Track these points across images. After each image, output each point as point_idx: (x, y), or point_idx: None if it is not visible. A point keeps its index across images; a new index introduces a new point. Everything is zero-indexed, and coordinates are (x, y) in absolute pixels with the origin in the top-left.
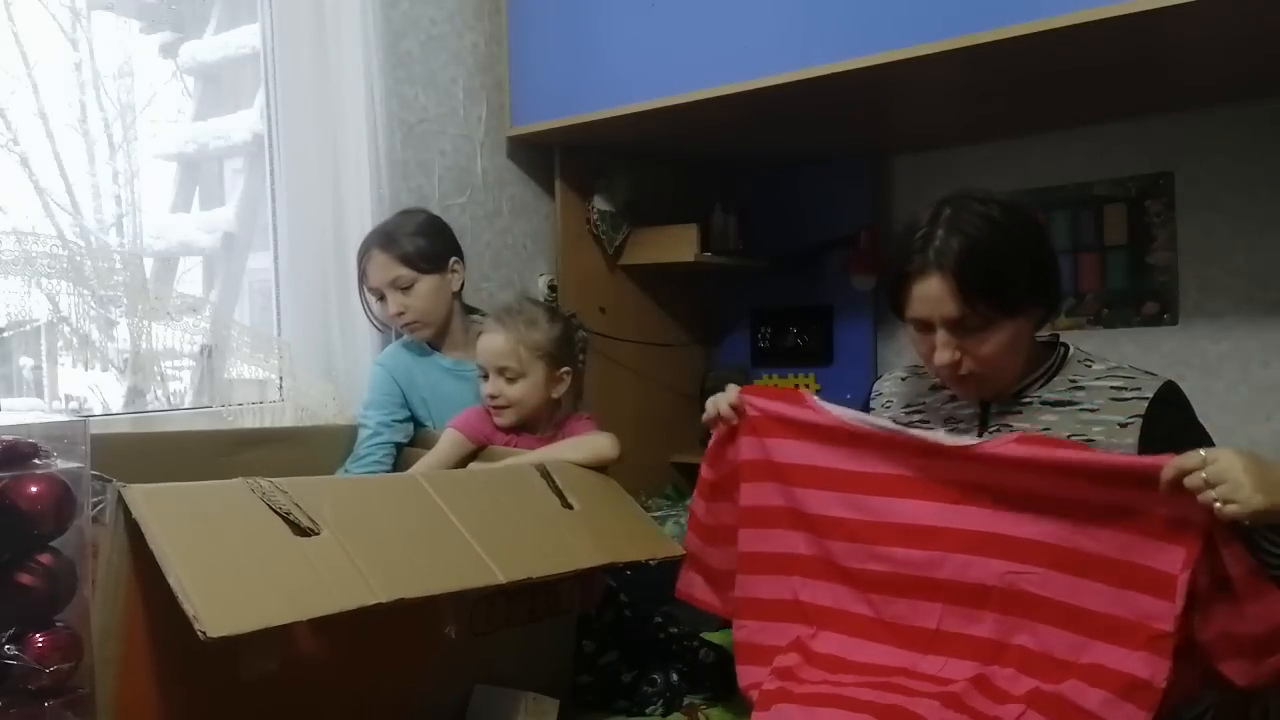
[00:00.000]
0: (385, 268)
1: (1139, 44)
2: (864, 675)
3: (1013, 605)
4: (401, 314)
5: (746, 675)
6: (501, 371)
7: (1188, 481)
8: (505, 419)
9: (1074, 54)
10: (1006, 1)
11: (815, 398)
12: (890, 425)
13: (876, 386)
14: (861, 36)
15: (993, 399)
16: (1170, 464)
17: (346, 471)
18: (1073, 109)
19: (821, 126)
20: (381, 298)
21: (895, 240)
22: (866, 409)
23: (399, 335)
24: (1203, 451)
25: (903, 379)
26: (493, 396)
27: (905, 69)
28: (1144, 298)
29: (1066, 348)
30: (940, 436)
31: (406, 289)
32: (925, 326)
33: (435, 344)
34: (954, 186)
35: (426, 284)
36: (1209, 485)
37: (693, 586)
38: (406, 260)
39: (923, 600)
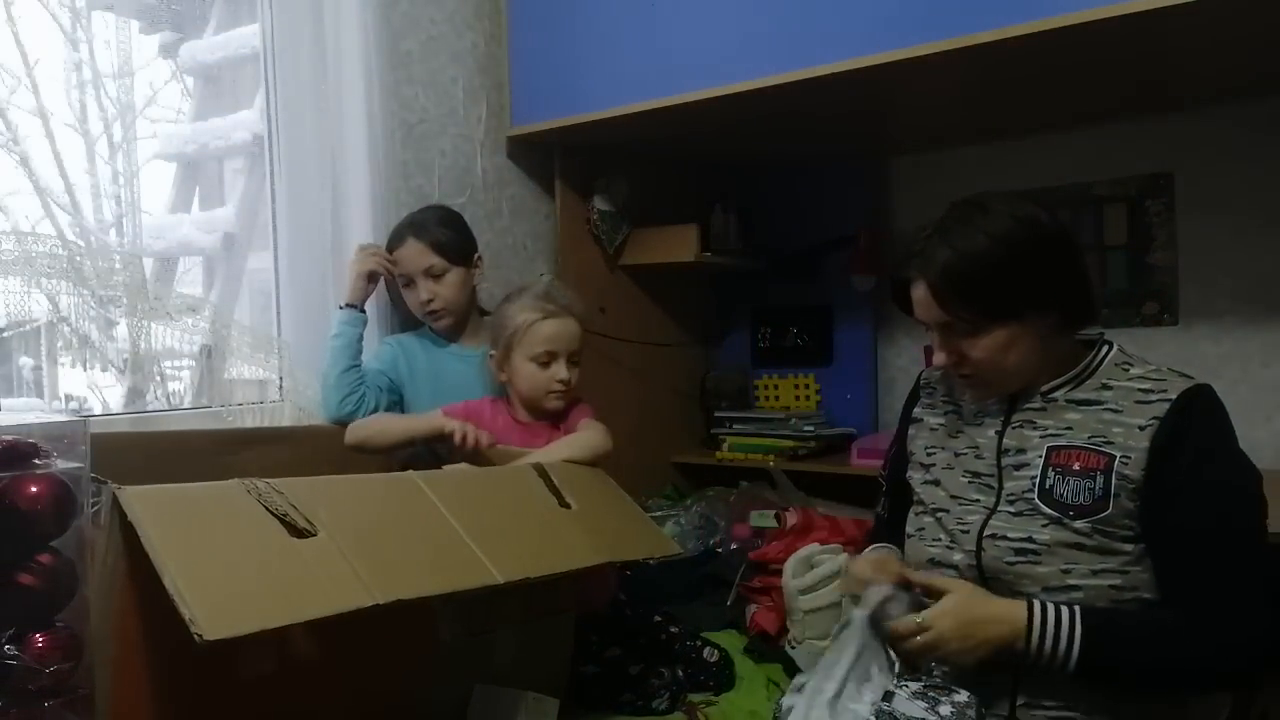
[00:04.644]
0: (420, 254)
1: (1139, 44)
2: None
3: None
4: (430, 300)
5: None
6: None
7: (907, 645)
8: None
9: (1074, 54)
10: (1006, 1)
11: None
12: None
13: (925, 375)
14: (861, 36)
15: (1020, 394)
16: (892, 631)
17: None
18: (1073, 109)
19: (822, 127)
20: (409, 284)
21: (901, 244)
22: (916, 396)
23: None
24: (918, 618)
25: (942, 373)
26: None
27: (905, 69)
28: (1144, 298)
29: (1109, 348)
30: None
31: (439, 277)
32: (928, 328)
33: (451, 337)
34: (954, 186)
35: (456, 275)
36: (927, 649)
37: None
38: (439, 248)
39: None
